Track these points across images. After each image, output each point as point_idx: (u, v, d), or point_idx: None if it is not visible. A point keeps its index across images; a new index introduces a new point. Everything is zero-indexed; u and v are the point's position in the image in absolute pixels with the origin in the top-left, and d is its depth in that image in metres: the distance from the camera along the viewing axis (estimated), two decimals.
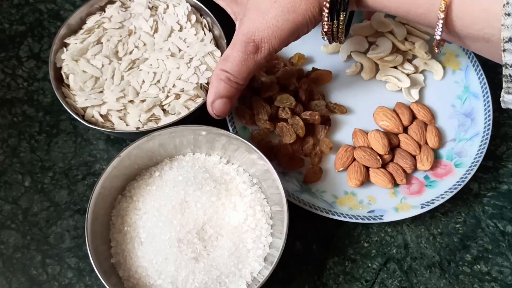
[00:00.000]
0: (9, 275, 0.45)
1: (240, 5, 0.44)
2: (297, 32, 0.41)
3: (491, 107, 0.50)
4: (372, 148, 0.48)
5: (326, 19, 0.40)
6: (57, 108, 0.52)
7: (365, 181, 0.48)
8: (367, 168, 0.48)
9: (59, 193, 0.49)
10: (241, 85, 0.43)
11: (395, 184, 0.48)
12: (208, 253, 0.42)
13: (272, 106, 0.49)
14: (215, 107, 0.43)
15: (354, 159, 0.48)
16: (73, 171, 0.50)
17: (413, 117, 0.51)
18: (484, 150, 0.48)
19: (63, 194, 0.49)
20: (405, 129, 0.50)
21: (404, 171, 0.48)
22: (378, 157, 0.48)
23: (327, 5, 0.39)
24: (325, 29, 0.41)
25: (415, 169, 0.49)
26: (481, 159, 0.48)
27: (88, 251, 0.40)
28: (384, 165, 0.48)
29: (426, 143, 0.49)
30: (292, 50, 0.54)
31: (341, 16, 0.40)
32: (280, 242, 0.41)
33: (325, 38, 0.43)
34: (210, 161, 0.46)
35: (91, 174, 0.50)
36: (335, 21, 0.40)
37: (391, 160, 0.49)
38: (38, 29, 0.56)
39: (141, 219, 0.43)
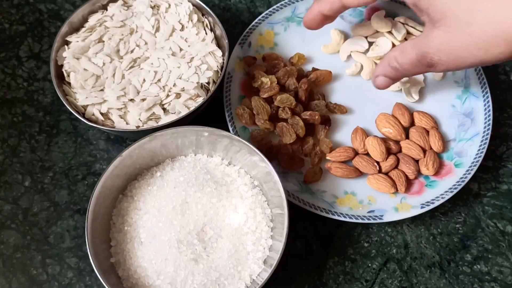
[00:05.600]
0: (9, 275, 0.45)
1: (430, 13, 0.41)
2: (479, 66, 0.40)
3: (491, 107, 0.50)
4: (369, 155, 0.49)
5: None
6: (57, 108, 0.52)
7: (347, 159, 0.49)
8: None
9: (59, 193, 0.49)
10: (405, 76, 0.45)
11: None
12: (208, 255, 0.41)
13: (272, 106, 0.49)
14: (377, 80, 0.46)
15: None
16: (73, 171, 0.49)
17: (413, 119, 0.51)
18: (484, 150, 0.49)
19: (63, 194, 0.49)
20: (407, 135, 0.50)
21: (407, 178, 0.48)
22: (376, 164, 0.48)
23: None
24: None
25: (418, 174, 0.48)
26: (481, 159, 0.48)
27: (88, 250, 0.39)
28: (387, 172, 0.48)
29: (430, 148, 0.49)
30: (292, 50, 0.54)
31: None
32: (280, 245, 0.40)
33: None
34: (212, 163, 0.46)
35: (91, 174, 0.49)
36: None
37: (396, 167, 0.48)
38: (38, 29, 0.56)
39: (141, 219, 0.43)
